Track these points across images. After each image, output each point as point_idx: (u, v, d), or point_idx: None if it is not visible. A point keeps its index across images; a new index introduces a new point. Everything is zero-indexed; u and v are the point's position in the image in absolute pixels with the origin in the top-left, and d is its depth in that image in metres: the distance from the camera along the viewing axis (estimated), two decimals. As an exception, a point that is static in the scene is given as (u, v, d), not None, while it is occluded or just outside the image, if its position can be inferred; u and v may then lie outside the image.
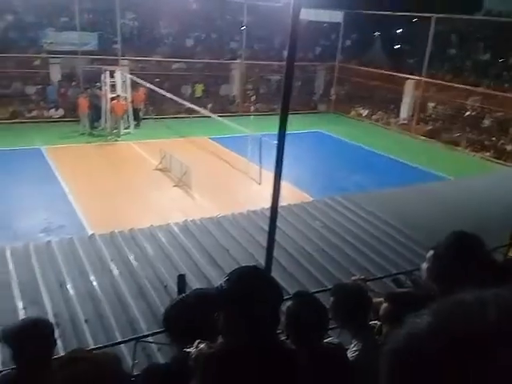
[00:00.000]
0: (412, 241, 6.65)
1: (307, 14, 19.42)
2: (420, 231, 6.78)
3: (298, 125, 12.58)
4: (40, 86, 18.89)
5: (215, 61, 22.28)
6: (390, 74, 20.88)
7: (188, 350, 1.79)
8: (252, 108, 19.93)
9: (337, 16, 22.98)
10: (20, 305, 4.64)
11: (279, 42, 23.26)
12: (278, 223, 4.16)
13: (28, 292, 4.87)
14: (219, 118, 15.54)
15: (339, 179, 13.45)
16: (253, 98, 21.27)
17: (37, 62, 19.07)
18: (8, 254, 5.34)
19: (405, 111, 20.71)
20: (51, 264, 5.28)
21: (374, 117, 21.98)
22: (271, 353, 1.54)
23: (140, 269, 5.35)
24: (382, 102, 22.22)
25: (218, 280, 5.20)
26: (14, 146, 14.57)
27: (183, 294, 2.46)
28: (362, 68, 22.36)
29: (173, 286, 4.97)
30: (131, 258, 5.54)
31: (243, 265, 1.90)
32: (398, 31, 25.41)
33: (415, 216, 7.54)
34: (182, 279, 3.88)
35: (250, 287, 1.56)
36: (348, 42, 24.99)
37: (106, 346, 3.85)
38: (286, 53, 3.65)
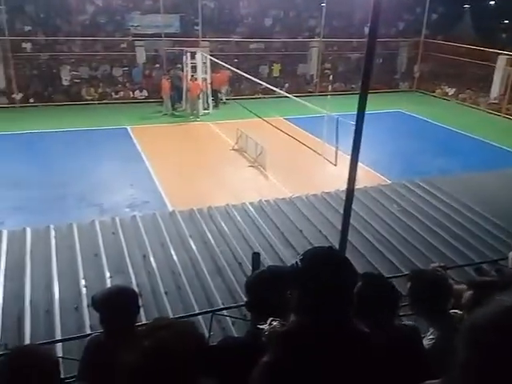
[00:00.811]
0: (497, 228, 6.24)
1: (391, -12, 18.48)
2: (506, 218, 6.35)
3: (377, 104, 12.13)
4: (126, 68, 19.86)
5: (293, 39, 22.02)
6: (480, 50, 19.36)
7: (261, 326, 1.84)
8: (329, 87, 19.51)
9: (423, -12, 21.65)
10: (107, 274, 5.00)
11: (360, 18, 22.40)
12: (354, 206, 4.09)
13: (114, 262, 5.23)
14: (295, 98, 15.41)
15: (420, 162, 12.86)
16: (330, 77, 20.80)
17: (123, 45, 20.03)
18: (97, 226, 5.76)
19: (496, 90, 19.20)
20: (136, 237, 5.63)
21: (460, 96, 20.62)
22: (344, 334, 1.54)
23: (216, 245, 5.54)
24: (471, 80, 20.74)
25: (291, 260, 5.25)
26: (102, 125, 15.54)
27: (262, 269, 2.54)
28: (449, 43, 20.91)
29: (247, 264, 5.10)
30: (208, 234, 5.75)
31: (313, 247, 1.91)
32: (489, 3, 23.41)
33: (501, 202, 7.05)
34: (256, 257, 3.97)
35: (324, 267, 1.56)
36: (434, 16, 23.49)
37: (183, 317, 4.06)
38: (366, 29, 3.53)
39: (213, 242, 5.61)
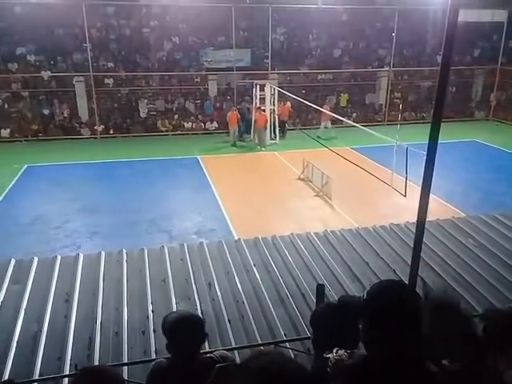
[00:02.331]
0: None
1: (465, 15, 17.98)
2: None
3: (451, 133, 11.69)
4: (199, 101, 20.78)
5: (362, 69, 21.96)
6: None
7: (327, 355, 1.81)
8: (399, 117, 19.10)
9: (500, 15, 20.84)
10: (174, 300, 5.10)
11: (431, 46, 21.94)
12: (425, 239, 3.91)
13: (181, 288, 5.34)
14: (363, 128, 15.23)
15: (498, 194, 12.12)
16: (400, 106, 20.36)
17: (197, 79, 21.03)
18: (166, 252, 5.94)
19: None
20: (202, 264, 5.73)
21: (543, 124, 19.34)
22: (410, 370, 1.48)
23: (280, 275, 5.50)
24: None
25: (356, 293, 5.09)
26: (175, 155, 16.26)
27: (327, 302, 2.51)
28: (529, 70, 19.86)
29: (311, 296, 5.01)
30: (272, 263, 5.73)
31: (384, 280, 1.86)
32: None
33: None
34: (321, 289, 3.89)
35: (395, 301, 1.52)
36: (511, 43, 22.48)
37: (246, 347, 4.04)
38: (439, 57, 3.45)
39: (276, 271, 5.58)
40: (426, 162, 3.53)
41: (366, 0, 21.05)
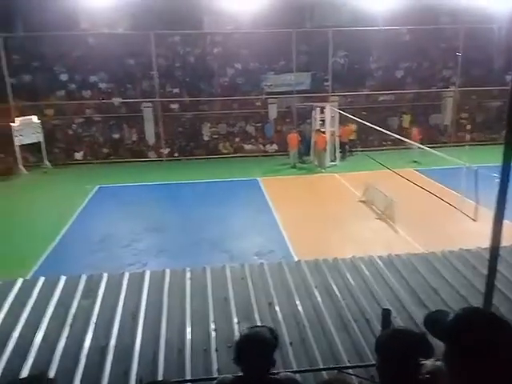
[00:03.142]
0: None
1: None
2: None
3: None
4: (259, 124, 21.14)
5: (425, 90, 21.43)
6: None
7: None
8: (467, 137, 18.35)
9: None
10: (235, 319, 5.13)
11: (500, 65, 21.01)
12: (499, 266, 3.70)
13: (242, 308, 5.36)
14: (428, 149, 14.76)
15: None
16: (468, 126, 19.59)
17: (257, 103, 21.45)
18: (228, 271, 6.01)
19: None
20: (262, 284, 5.73)
21: None
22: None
23: (342, 299, 5.38)
24: None
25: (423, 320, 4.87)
26: (235, 177, 16.55)
27: (395, 327, 2.43)
28: None
29: (375, 321, 4.85)
30: (334, 287, 5.62)
31: (455, 308, 1.75)
32: None
33: None
34: (386, 314, 3.76)
35: (483, 333, 1.37)
36: None
37: (309, 371, 3.97)
38: (508, 77, 3.31)
39: (338, 294, 5.46)
40: (500, 184, 3.36)
41: (429, 20, 20.65)
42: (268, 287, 5.71)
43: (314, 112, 18.01)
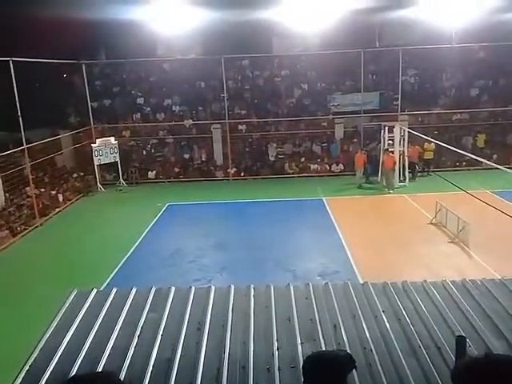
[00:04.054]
0: None
1: None
2: None
3: None
4: (325, 144, 21.04)
5: (502, 108, 20.29)
6: None
7: None
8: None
9: None
10: (298, 339, 5.06)
11: None
12: None
13: (305, 328, 5.27)
14: (508, 170, 13.87)
15: None
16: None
17: (324, 123, 21.40)
18: (292, 290, 5.96)
19: None
20: (327, 305, 5.61)
21: None
22: None
23: (412, 324, 5.13)
24: None
25: (501, 351, 4.52)
26: (300, 196, 16.52)
27: (474, 356, 2.26)
28: None
29: (447, 349, 4.58)
30: (403, 311, 5.38)
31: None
32: None
33: None
34: (461, 342, 3.53)
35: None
36: None
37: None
38: None
39: (408, 320, 5.22)
40: None
41: (504, 36, 19.66)
42: (333, 308, 5.59)
43: (382, 131, 17.65)
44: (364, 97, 20.48)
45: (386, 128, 17.42)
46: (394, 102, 20.74)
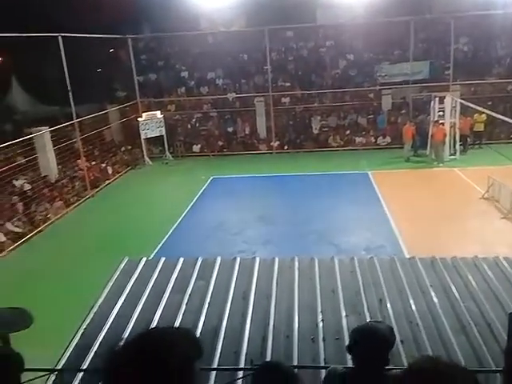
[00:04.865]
0: None
1: None
2: None
3: None
4: (371, 116, 20.47)
5: None
6: None
7: None
8: None
9: None
10: (343, 312, 5.06)
11: None
12: None
13: (350, 301, 5.27)
14: None
15: None
16: None
17: (370, 95, 20.78)
18: (336, 263, 5.94)
19: None
20: (372, 279, 5.57)
21: None
22: None
23: (461, 300, 5.01)
24: None
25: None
26: (344, 170, 16.26)
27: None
28: None
29: (498, 327, 4.45)
30: (452, 287, 5.26)
31: None
32: None
33: None
34: (513, 319, 3.42)
35: None
36: None
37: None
38: None
39: (457, 295, 5.10)
40: None
41: None
42: (378, 282, 5.54)
43: (432, 102, 16.94)
44: (413, 66, 19.66)
45: (437, 99, 16.68)
46: (445, 72, 19.79)
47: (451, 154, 16.68)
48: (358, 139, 19.85)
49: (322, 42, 22.38)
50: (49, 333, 6.09)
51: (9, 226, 11.78)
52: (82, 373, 4.12)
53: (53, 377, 4.07)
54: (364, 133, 20.01)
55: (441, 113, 16.50)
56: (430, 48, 20.91)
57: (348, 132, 20.16)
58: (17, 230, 11.90)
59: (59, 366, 4.29)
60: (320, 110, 20.96)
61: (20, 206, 12.58)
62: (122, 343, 1.25)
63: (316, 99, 21.10)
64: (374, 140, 19.69)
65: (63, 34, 14.61)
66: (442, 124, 16.25)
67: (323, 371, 3.52)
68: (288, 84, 21.39)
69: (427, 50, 20.87)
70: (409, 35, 19.09)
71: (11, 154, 13.33)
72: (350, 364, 3.11)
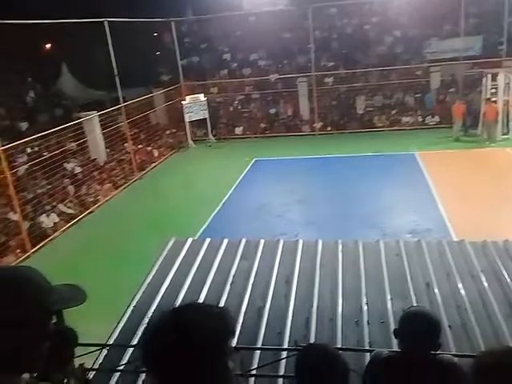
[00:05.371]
0: None
1: None
2: None
3: None
4: (418, 95, 19.75)
5: None
6: None
7: None
8: None
9: None
10: (388, 296, 5.00)
11: None
12: None
13: (395, 285, 5.19)
14: None
15: None
16: None
17: (418, 72, 20.02)
18: (381, 247, 5.85)
19: None
20: (419, 263, 5.46)
21: None
22: None
23: (514, 286, 4.83)
24: None
25: None
26: (390, 151, 15.85)
27: None
28: None
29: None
30: (504, 272, 5.07)
31: None
32: None
33: None
34: None
35: None
36: None
37: (469, 356, 3.69)
38: None
39: (509, 280, 4.91)
40: None
41: None
42: (425, 266, 5.42)
43: (484, 79, 16.13)
44: (464, 42, 18.73)
45: (489, 76, 15.87)
46: (499, 47, 18.74)
47: (504, 134, 15.89)
48: (404, 119, 19.25)
49: (367, 19, 21.68)
50: (102, 306, 6.37)
51: (61, 207, 12.33)
52: (132, 348, 4.29)
53: (104, 351, 4.27)
54: (411, 112, 19.37)
55: (493, 90, 15.70)
56: (482, 22, 19.82)
57: (394, 111, 19.58)
58: (69, 211, 12.44)
59: (110, 342, 4.49)
60: (365, 89, 20.41)
61: (71, 189, 13.12)
62: (156, 317, 1.30)
63: (361, 78, 20.55)
64: (421, 119, 19.03)
65: (109, 19, 14.90)
66: (495, 102, 15.48)
67: (367, 354, 3.50)
68: (331, 63, 20.95)
69: (479, 24, 19.79)
70: (459, 9, 18.16)
71: (62, 139, 13.84)
72: (395, 348, 3.08)
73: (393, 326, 4.26)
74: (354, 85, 20.36)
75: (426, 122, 18.89)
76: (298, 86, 20.27)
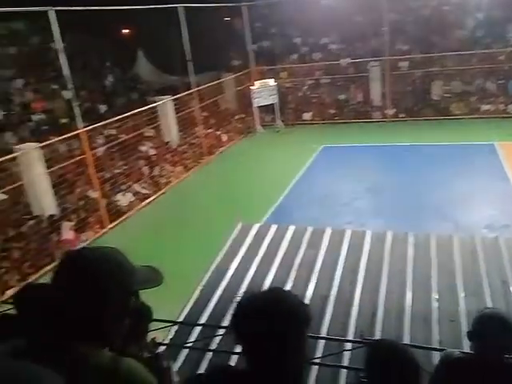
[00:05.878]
0: None
1: None
2: None
3: None
4: (502, 81, 18.44)
5: None
6: None
7: None
8: None
9: None
10: (461, 293, 4.82)
11: None
12: None
13: (469, 282, 5.00)
14: None
15: None
16: None
17: (501, 57, 18.66)
18: (455, 242, 5.62)
19: None
20: (496, 260, 5.19)
21: None
22: None
23: None
24: None
25: None
26: (466, 140, 15.02)
27: None
28: None
29: None
30: None
31: None
32: None
33: None
34: None
35: None
36: None
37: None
38: None
39: None
40: None
41: None
42: (502, 264, 5.15)
43: None
44: (558, 22, 17.17)
45: None
46: None
47: None
48: (484, 107, 18.08)
49: (446, 0, 20.43)
50: (172, 283, 6.67)
51: (136, 187, 12.96)
52: (201, 327, 4.48)
53: (175, 328, 4.49)
54: (492, 99, 18.14)
55: None
56: None
57: (474, 99, 18.44)
58: (143, 191, 13.05)
59: (180, 319, 4.72)
60: (442, 74, 19.35)
61: (146, 170, 13.73)
62: (251, 293, 1.47)
63: (437, 63, 19.49)
64: (503, 107, 17.78)
65: (183, 5, 15.22)
66: None
67: (436, 354, 3.41)
68: (406, 47, 20.02)
69: None
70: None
71: (138, 122, 14.45)
72: (465, 349, 2.97)
73: (464, 326, 4.11)
74: (431, 69, 19.37)
75: (509, 110, 17.62)
76: (370, 70, 19.62)
